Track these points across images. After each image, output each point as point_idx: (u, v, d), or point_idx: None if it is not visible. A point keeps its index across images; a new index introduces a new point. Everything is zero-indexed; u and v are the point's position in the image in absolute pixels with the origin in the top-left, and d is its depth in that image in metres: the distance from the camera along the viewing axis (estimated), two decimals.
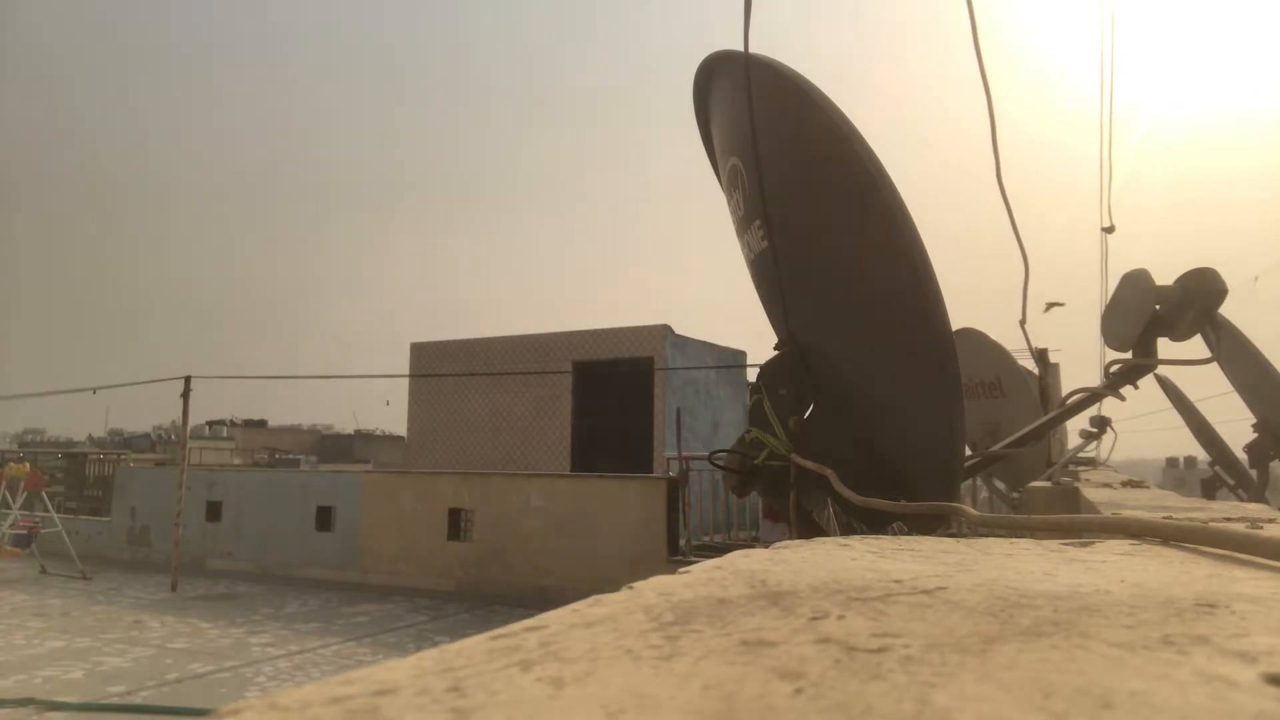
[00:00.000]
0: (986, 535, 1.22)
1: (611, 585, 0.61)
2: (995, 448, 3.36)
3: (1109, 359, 2.57)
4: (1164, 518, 1.06)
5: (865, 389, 2.19)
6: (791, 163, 2.17)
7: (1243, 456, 4.90)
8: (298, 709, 0.32)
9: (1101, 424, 2.67)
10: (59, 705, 5.10)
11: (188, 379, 10.66)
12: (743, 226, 2.41)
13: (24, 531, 10.71)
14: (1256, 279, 11.12)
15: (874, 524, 2.09)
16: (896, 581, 0.64)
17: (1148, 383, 2.62)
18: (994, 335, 5.35)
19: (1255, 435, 4.73)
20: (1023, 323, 3.12)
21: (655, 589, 0.60)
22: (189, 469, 11.27)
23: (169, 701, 5.22)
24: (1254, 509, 1.50)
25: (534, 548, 9.35)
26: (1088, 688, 0.35)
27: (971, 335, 5.23)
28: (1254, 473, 4.82)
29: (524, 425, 12.85)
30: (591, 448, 12.42)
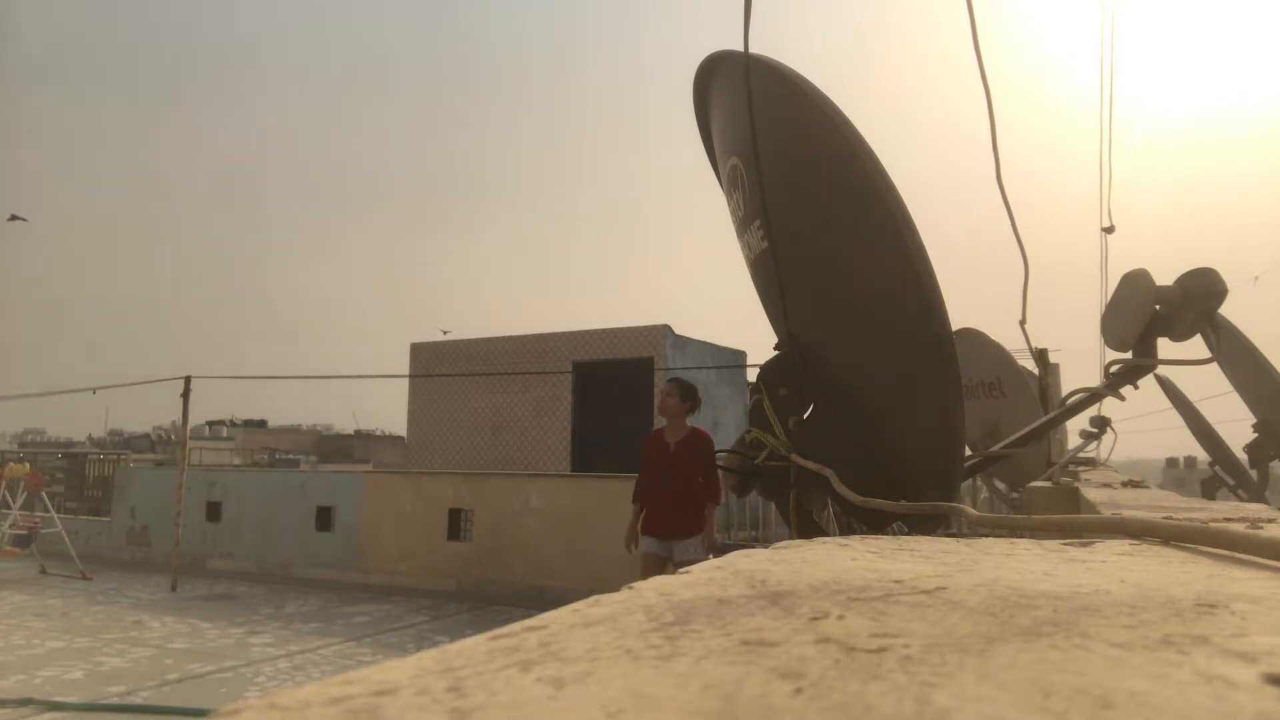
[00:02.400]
0: (986, 535, 1.22)
1: (611, 585, 0.61)
2: (995, 448, 3.36)
3: (1109, 359, 2.57)
4: (1164, 518, 1.06)
5: (865, 389, 2.19)
6: (791, 163, 2.17)
7: (1243, 456, 4.90)
8: (298, 709, 0.32)
9: (1101, 424, 2.67)
10: (59, 705, 5.10)
11: (188, 379, 10.65)
12: (743, 227, 2.41)
13: (24, 531, 10.71)
14: (1256, 279, 11.12)
15: (874, 524, 2.09)
16: (896, 581, 0.64)
17: (1148, 383, 2.62)
18: (994, 335, 5.36)
19: (1255, 435, 4.73)
20: (1023, 323, 3.12)
21: (655, 589, 0.60)
22: (189, 469, 11.26)
23: (169, 701, 5.22)
24: (1254, 509, 1.50)
25: (534, 548, 9.35)
26: (1088, 688, 0.35)
27: (971, 335, 5.23)
28: (1254, 473, 4.82)
29: (524, 425, 12.85)
30: (591, 448, 12.42)
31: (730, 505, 10.08)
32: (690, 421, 5.06)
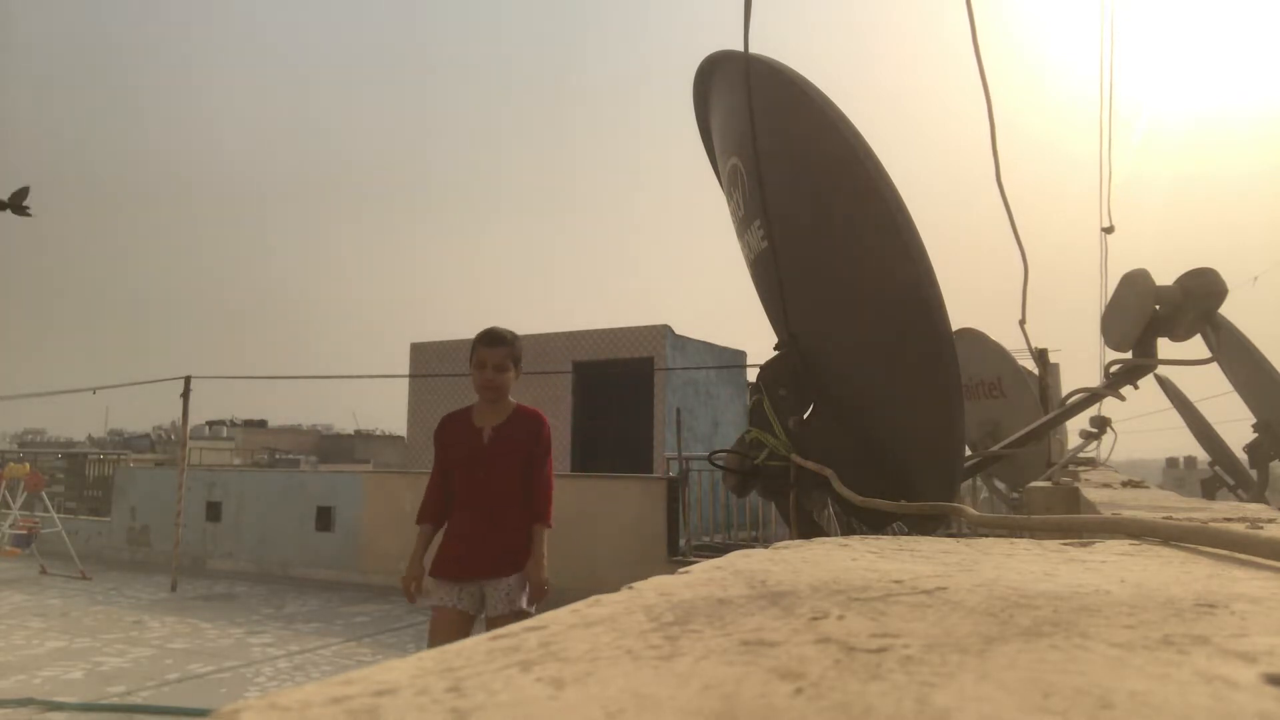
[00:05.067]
0: (986, 535, 1.22)
1: (611, 585, 0.61)
2: (995, 448, 3.36)
3: (1109, 359, 2.57)
4: (1164, 518, 1.06)
5: (865, 389, 2.19)
6: (791, 163, 2.17)
7: (1243, 456, 4.90)
8: (298, 709, 0.32)
9: (1101, 424, 2.67)
10: (59, 705, 5.10)
11: (188, 379, 10.66)
12: (743, 227, 2.41)
13: (24, 531, 10.71)
14: (1256, 279, 11.12)
15: (874, 524, 2.09)
16: (896, 581, 0.64)
17: (1148, 383, 2.62)
18: (994, 335, 5.36)
19: (1255, 435, 4.73)
20: (1023, 323, 3.13)
21: (655, 589, 0.60)
22: (189, 469, 11.27)
23: (169, 701, 5.22)
24: (1254, 509, 1.50)
25: None
26: (1088, 688, 0.35)
27: (971, 335, 5.23)
28: (1254, 473, 4.82)
29: None
30: (592, 448, 12.42)
31: (730, 505, 10.07)
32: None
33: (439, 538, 3.22)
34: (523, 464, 3.18)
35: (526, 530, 3.13)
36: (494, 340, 3.18)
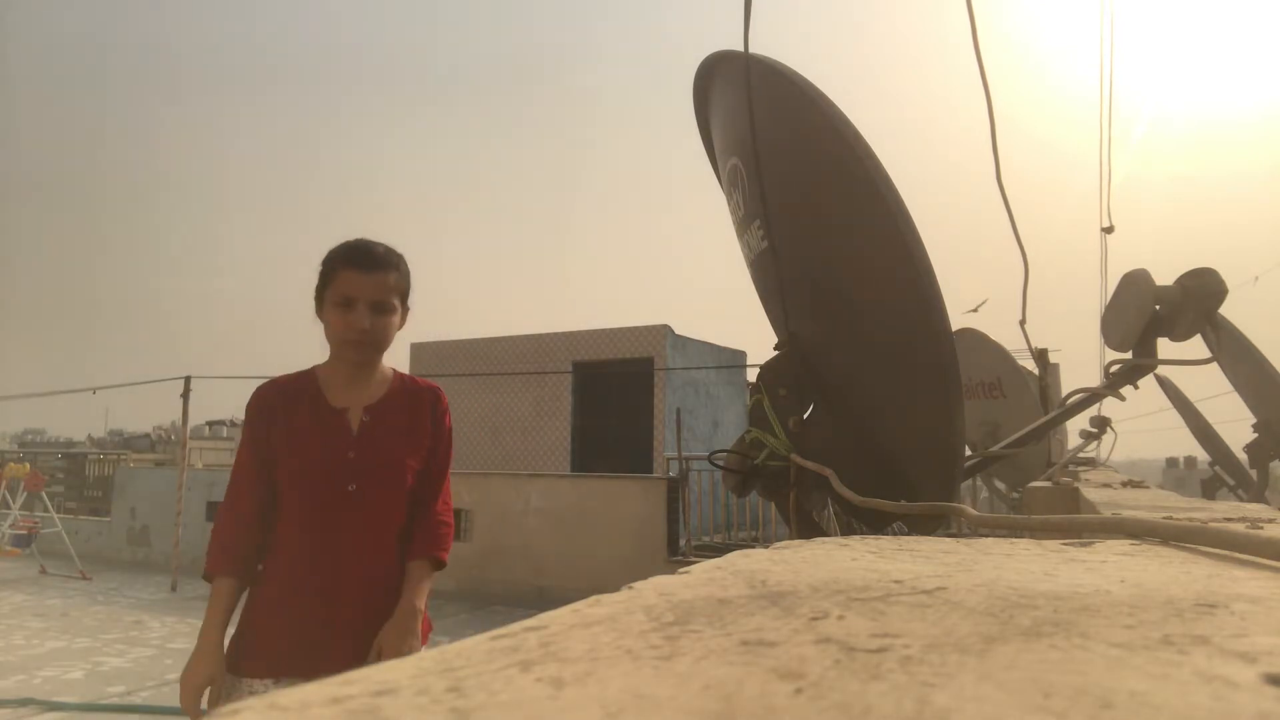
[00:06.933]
0: (986, 535, 1.22)
1: (611, 585, 0.61)
2: (995, 448, 3.36)
3: (1109, 359, 2.58)
4: (1164, 518, 1.06)
5: (865, 389, 2.19)
6: (791, 163, 2.17)
7: (1243, 456, 4.90)
8: (298, 709, 0.32)
9: (1101, 424, 2.67)
10: (59, 705, 5.10)
11: (188, 379, 10.66)
12: (743, 226, 2.41)
13: (24, 531, 10.72)
14: (1256, 279, 11.12)
15: (874, 524, 2.10)
16: (896, 581, 0.64)
17: (1148, 383, 2.63)
18: (994, 335, 5.36)
19: (1255, 435, 4.73)
20: (1023, 323, 3.13)
21: (655, 589, 0.60)
22: (189, 469, 11.26)
23: (169, 701, 5.22)
24: (1254, 509, 1.50)
25: (534, 548, 9.35)
26: (1088, 688, 0.35)
27: (971, 335, 5.23)
28: (1254, 473, 4.82)
29: (524, 425, 12.85)
30: (591, 448, 12.43)
31: (730, 505, 10.08)
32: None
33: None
34: (417, 466, 1.88)
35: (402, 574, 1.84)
36: (372, 260, 1.78)
